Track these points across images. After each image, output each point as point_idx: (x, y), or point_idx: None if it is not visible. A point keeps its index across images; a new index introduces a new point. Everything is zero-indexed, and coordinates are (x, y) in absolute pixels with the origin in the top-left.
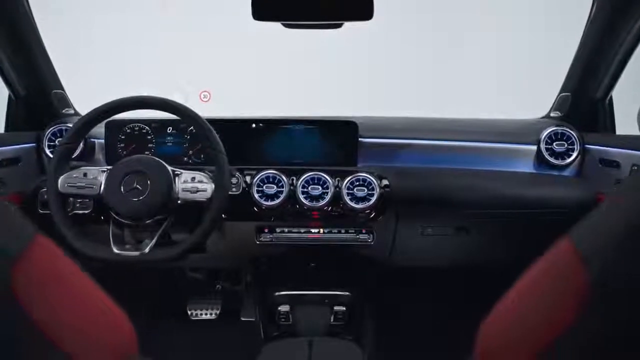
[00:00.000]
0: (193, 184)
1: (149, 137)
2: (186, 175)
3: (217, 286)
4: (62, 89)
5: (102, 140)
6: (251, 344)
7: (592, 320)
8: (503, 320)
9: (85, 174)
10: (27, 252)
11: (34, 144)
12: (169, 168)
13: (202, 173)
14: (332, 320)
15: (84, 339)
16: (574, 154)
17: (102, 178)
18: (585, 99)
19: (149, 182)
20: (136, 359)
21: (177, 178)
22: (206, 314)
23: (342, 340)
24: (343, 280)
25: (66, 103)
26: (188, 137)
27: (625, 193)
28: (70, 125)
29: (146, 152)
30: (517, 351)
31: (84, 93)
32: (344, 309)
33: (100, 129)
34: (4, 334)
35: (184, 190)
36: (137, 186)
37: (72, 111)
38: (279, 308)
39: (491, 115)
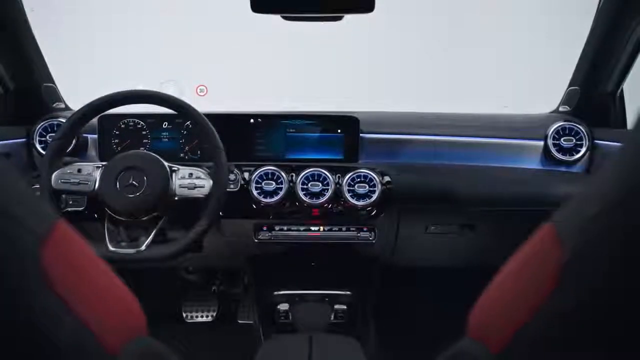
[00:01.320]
0: (190, 180)
1: (144, 133)
2: (183, 171)
3: (213, 288)
4: (53, 82)
5: (95, 136)
6: (249, 347)
7: (564, 300)
8: (490, 300)
9: (79, 170)
10: (53, 233)
11: (24, 139)
12: (166, 164)
13: (200, 169)
14: (332, 319)
15: (105, 317)
16: (583, 150)
17: (97, 174)
18: (594, 92)
19: (145, 178)
20: (146, 340)
21: (174, 174)
22: (202, 317)
23: (343, 336)
24: (344, 280)
25: (57, 97)
26: (184, 133)
27: (598, 176)
28: (62, 120)
29: (141, 148)
30: (499, 329)
31: (75, 87)
32: (345, 307)
33: (92, 123)
34: (38, 310)
35: (181, 186)
36: (134, 182)
37: (62, 105)
38: (278, 307)
39: (498, 110)
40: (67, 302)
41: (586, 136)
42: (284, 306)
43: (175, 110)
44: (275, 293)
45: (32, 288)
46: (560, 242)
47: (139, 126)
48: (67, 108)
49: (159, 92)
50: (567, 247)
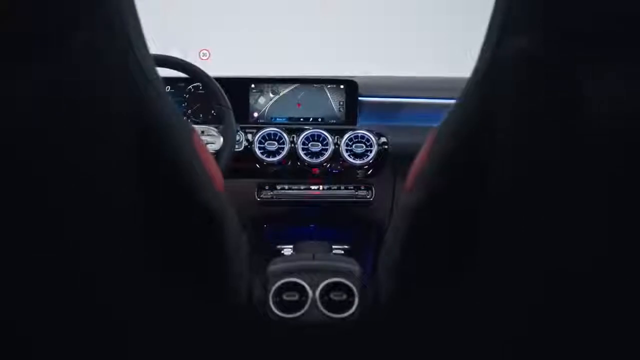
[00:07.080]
0: (202, 137)
1: None
2: (195, 128)
3: None
4: None
5: None
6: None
7: (433, 165)
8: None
9: None
10: (193, 129)
11: None
12: None
13: (211, 127)
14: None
15: (212, 172)
16: None
17: None
18: None
19: None
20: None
21: None
22: None
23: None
24: (343, 237)
25: None
26: (187, 96)
27: None
28: None
29: None
30: (409, 180)
31: None
32: (343, 252)
33: None
34: (195, 170)
35: None
36: None
37: None
38: (282, 251)
39: None
40: (205, 165)
41: None
42: (287, 250)
43: (183, 72)
44: (278, 246)
45: (191, 151)
46: (436, 129)
47: None
48: None
49: (165, 55)
50: (438, 130)
